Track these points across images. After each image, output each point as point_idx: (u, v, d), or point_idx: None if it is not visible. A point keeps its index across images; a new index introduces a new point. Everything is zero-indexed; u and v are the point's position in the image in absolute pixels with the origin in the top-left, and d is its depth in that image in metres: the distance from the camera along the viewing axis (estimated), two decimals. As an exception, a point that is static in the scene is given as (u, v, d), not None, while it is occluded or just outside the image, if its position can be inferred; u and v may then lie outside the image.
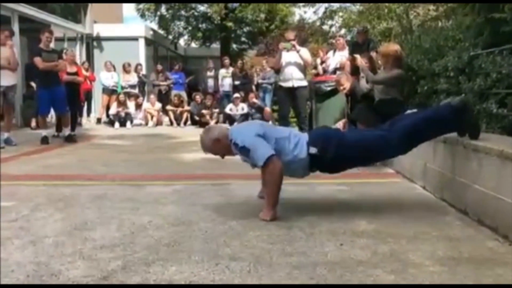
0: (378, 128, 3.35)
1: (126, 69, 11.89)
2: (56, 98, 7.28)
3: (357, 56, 5.41)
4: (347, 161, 3.13)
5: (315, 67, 8.22)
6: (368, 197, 3.64)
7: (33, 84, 9.57)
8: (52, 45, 7.50)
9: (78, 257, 2.29)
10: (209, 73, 12.32)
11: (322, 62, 8.60)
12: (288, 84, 6.91)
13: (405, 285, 1.91)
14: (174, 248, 2.43)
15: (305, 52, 7.00)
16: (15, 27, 9.75)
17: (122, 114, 10.92)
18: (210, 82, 12.16)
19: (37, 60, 7.12)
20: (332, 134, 3.20)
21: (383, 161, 3.36)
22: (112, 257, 2.29)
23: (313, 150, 2.99)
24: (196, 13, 17.32)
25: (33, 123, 9.84)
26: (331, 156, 3.00)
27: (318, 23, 15.91)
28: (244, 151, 2.96)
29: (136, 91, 11.89)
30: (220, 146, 3.11)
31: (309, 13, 23.71)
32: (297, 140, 3.04)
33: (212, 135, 3.12)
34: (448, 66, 4.22)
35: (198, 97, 11.41)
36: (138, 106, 11.40)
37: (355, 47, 7.37)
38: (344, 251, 2.40)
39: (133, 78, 11.91)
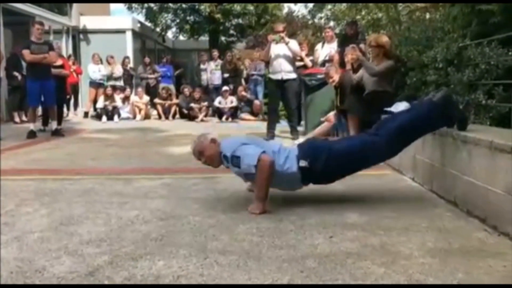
0: (365, 134, 3.35)
1: (109, 61, 11.75)
2: (45, 91, 7.17)
3: (355, 46, 5.28)
4: (338, 171, 3.13)
5: (301, 59, 8.15)
6: (357, 190, 3.62)
7: (16, 73, 9.41)
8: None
9: (64, 253, 2.24)
10: (202, 66, 12.20)
11: (306, 55, 8.57)
12: (277, 76, 6.87)
13: (406, 285, 1.89)
14: (162, 243, 2.39)
15: (294, 44, 6.95)
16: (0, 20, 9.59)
17: (110, 107, 10.80)
18: (203, 75, 12.04)
19: (25, 53, 7.01)
20: (321, 145, 3.19)
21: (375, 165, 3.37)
22: (99, 252, 2.24)
23: (303, 163, 2.99)
24: (184, 6, 17.14)
25: (17, 118, 9.71)
26: (321, 167, 3.00)
27: (308, 16, 15.89)
28: (235, 161, 2.95)
29: (121, 83, 11.75)
30: (213, 149, 3.06)
31: (298, 5, 23.62)
32: (286, 154, 3.04)
33: (209, 136, 3.12)
34: (437, 57, 4.21)
35: (187, 90, 11.32)
36: (126, 99, 11.27)
37: (345, 39, 7.35)
38: (334, 243, 2.38)
39: (117, 71, 11.77)
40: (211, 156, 3.09)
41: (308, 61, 8.14)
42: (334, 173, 3.11)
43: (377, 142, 3.06)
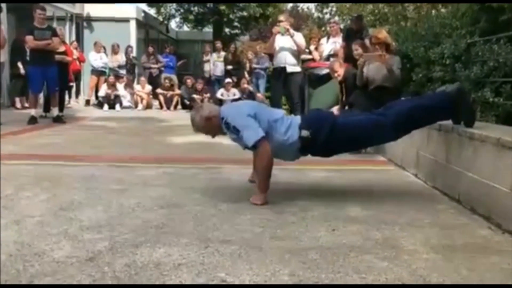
0: (372, 113, 3.30)
1: (115, 50, 11.70)
2: (48, 77, 7.13)
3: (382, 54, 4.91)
4: (339, 145, 3.07)
5: (310, 53, 8.12)
6: (360, 184, 3.61)
7: (20, 65, 9.39)
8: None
9: (64, 237, 2.22)
10: (205, 58, 12.15)
11: (316, 49, 8.54)
12: (281, 66, 6.84)
13: (406, 285, 1.85)
14: (163, 230, 2.37)
15: (299, 37, 6.91)
16: (3, 4, 9.51)
17: (112, 96, 10.76)
18: (206, 67, 12.01)
19: (29, 39, 6.96)
20: (325, 117, 3.14)
21: (376, 146, 3.34)
22: (99, 238, 2.22)
23: (305, 133, 2.93)
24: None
25: (18, 104, 9.67)
26: (323, 139, 2.94)
27: (313, 10, 15.83)
28: (235, 131, 2.90)
29: (124, 72, 11.70)
30: (211, 125, 3.02)
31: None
32: (289, 123, 2.98)
33: (204, 113, 3.04)
34: (444, 53, 4.17)
35: (189, 81, 11.27)
36: (127, 86, 11.22)
37: (349, 34, 7.29)
38: (336, 236, 2.36)
39: (121, 59, 11.72)
40: (212, 133, 3.10)
41: (316, 54, 8.11)
42: (334, 146, 3.06)
43: (383, 122, 3.00)
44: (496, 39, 3.63)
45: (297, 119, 3.05)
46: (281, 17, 6.91)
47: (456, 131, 3.09)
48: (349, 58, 5.94)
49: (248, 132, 2.84)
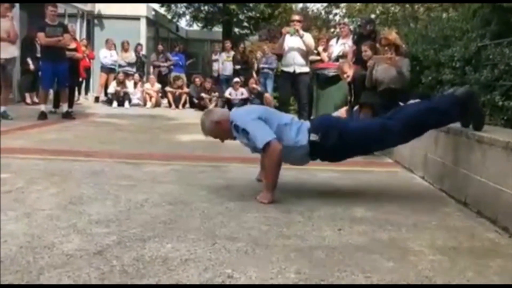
0: (380, 117, 3.31)
1: (125, 47, 11.77)
2: (59, 73, 7.20)
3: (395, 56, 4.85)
4: (348, 149, 3.09)
5: (318, 54, 8.13)
6: (366, 185, 3.61)
7: (29, 61, 9.47)
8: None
9: (73, 231, 2.25)
10: (214, 57, 12.18)
11: (324, 50, 8.53)
12: (290, 69, 6.84)
13: (405, 285, 1.86)
14: (171, 226, 2.39)
15: (308, 38, 6.90)
16: (16, 0, 9.60)
17: (121, 93, 10.82)
18: (215, 66, 12.05)
19: (40, 36, 7.03)
20: (334, 122, 3.17)
21: (384, 150, 3.35)
22: (107, 232, 2.25)
23: (314, 137, 2.95)
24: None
25: (28, 99, 9.76)
26: (332, 143, 2.96)
27: (322, 12, 15.82)
28: (245, 134, 2.92)
29: (133, 69, 11.76)
30: (221, 129, 3.06)
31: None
32: (298, 127, 3.00)
33: (213, 117, 3.07)
34: (455, 56, 4.16)
35: (198, 80, 11.31)
36: (135, 84, 11.27)
37: (360, 37, 7.27)
38: (342, 236, 2.37)
39: (131, 56, 11.78)
40: (222, 137, 3.13)
41: (325, 55, 8.11)
42: (343, 151, 3.07)
43: (392, 125, 3.01)
44: (507, 43, 3.62)
45: (306, 123, 3.07)
46: (296, 17, 6.92)
47: (464, 134, 3.09)
48: (358, 60, 5.94)
49: (259, 134, 2.86)
